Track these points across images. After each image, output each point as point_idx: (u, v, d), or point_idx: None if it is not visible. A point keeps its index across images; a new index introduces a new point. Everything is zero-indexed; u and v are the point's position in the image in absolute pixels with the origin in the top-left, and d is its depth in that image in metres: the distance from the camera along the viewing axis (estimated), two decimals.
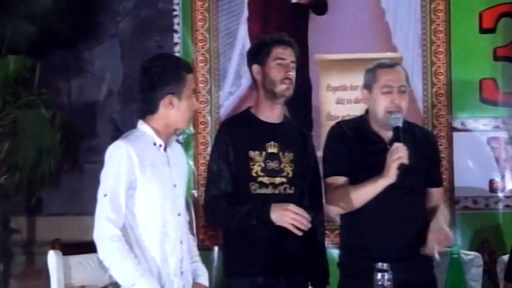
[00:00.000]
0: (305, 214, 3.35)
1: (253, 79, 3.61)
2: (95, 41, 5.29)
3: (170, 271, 3.25)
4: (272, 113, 3.57)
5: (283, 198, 3.44)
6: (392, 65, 3.57)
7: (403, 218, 3.45)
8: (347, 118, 4.49)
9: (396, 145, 3.34)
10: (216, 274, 3.49)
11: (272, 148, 3.53)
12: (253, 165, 3.48)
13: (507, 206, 4.62)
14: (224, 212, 3.45)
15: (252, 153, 3.50)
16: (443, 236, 3.28)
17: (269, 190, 3.48)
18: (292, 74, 3.54)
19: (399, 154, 3.30)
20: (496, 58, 4.62)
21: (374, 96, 3.49)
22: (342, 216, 3.57)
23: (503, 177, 4.61)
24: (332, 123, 4.52)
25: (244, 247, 3.50)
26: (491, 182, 4.59)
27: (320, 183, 3.60)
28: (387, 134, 3.49)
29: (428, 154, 3.57)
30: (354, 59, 4.62)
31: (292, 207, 3.37)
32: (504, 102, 4.61)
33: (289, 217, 3.34)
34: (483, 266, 4.06)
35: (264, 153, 3.51)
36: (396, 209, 3.42)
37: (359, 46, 4.63)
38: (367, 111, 3.60)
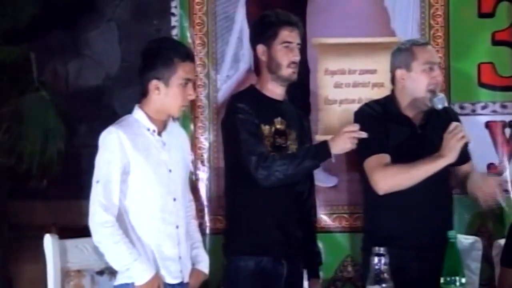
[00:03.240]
0: (357, 127, 3.31)
1: (257, 58, 3.59)
2: (93, 25, 5.26)
3: (166, 256, 3.25)
4: (276, 91, 3.56)
5: None
6: (426, 43, 3.59)
7: (434, 206, 3.43)
8: (344, 102, 4.52)
9: (455, 124, 3.28)
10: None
11: (280, 125, 3.51)
12: (263, 139, 3.46)
13: (505, 190, 4.61)
14: (281, 161, 3.35)
15: (263, 127, 3.47)
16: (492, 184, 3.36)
17: None
18: (298, 58, 3.52)
19: (462, 133, 3.24)
20: (494, 42, 4.60)
21: (414, 74, 3.45)
22: (368, 202, 3.53)
23: (501, 161, 4.60)
24: (330, 107, 4.59)
25: (250, 228, 3.49)
26: (489, 166, 4.58)
27: None
28: (418, 117, 3.44)
29: None
30: (353, 43, 4.60)
31: (346, 128, 3.33)
32: (503, 87, 4.60)
33: (350, 138, 3.28)
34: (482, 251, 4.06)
35: (273, 128, 3.49)
36: (427, 196, 3.40)
37: (358, 30, 4.61)
38: (392, 92, 3.57)
